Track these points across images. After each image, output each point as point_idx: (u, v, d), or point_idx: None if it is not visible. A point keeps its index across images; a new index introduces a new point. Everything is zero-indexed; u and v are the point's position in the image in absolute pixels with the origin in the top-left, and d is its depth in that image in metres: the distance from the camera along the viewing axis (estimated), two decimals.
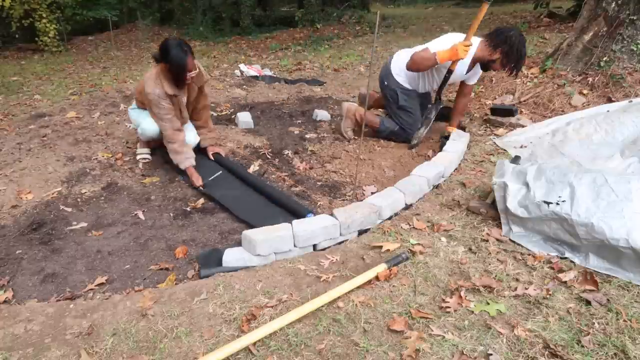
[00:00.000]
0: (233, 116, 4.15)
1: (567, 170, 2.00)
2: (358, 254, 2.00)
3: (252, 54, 9.55)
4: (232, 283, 1.79)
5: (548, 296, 1.64)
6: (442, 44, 2.93)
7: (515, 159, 2.42)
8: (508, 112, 3.56)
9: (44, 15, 9.65)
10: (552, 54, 4.23)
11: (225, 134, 3.58)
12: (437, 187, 2.65)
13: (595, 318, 1.53)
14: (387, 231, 2.15)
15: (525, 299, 1.65)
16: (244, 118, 3.89)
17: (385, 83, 3.29)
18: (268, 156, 3.23)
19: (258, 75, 6.20)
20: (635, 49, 3.57)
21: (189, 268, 2.00)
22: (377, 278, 1.77)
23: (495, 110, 3.65)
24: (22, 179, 2.85)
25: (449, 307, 1.61)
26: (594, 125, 2.98)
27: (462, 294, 1.67)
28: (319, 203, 2.55)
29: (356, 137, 3.52)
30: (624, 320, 1.50)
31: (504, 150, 3.13)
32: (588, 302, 1.60)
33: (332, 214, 2.13)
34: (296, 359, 1.42)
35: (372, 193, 2.53)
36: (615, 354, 1.38)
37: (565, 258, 1.87)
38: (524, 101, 3.81)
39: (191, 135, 3.03)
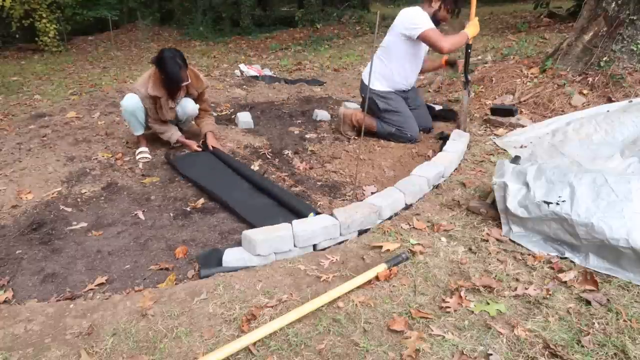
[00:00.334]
0: (233, 116, 4.15)
1: (567, 170, 2.00)
2: (358, 254, 2.00)
3: (252, 54, 9.56)
4: (232, 283, 1.79)
5: (548, 296, 1.64)
6: (425, 19, 3.04)
7: (515, 159, 2.42)
8: (508, 112, 3.56)
9: (44, 15, 9.65)
10: (552, 54, 4.23)
11: (225, 134, 3.58)
12: (437, 187, 2.65)
13: (595, 318, 1.53)
14: (387, 231, 2.15)
15: (525, 299, 1.65)
16: (244, 118, 3.89)
17: (363, 95, 3.34)
18: (268, 156, 3.23)
19: (258, 75, 6.20)
20: (635, 49, 3.57)
21: (189, 268, 2.00)
22: (377, 278, 1.77)
23: (495, 110, 3.65)
24: (22, 179, 2.85)
25: (449, 307, 1.61)
26: (594, 125, 2.98)
27: (462, 294, 1.67)
28: (319, 203, 2.55)
29: (356, 137, 3.52)
30: (624, 320, 1.50)
31: (504, 150, 3.13)
32: (588, 302, 1.60)
33: (332, 214, 2.13)
34: (296, 359, 1.42)
35: (372, 193, 2.53)
36: (615, 354, 1.38)
37: (565, 258, 1.87)
38: (524, 101, 3.81)
39: (189, 105, 3.14)
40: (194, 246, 2.17)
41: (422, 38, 3.04)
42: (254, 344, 1.46)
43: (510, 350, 1.42)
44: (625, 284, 1.69)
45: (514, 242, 2.03)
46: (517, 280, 1.76)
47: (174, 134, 3.16)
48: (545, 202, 1.92)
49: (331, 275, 1.83)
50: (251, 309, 1.64)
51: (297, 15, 12.62)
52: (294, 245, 2.00)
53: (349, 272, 1.86)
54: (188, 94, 3.12)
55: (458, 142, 3.09)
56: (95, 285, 1.88)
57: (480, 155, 3.05)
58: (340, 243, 2.12)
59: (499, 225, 2.13)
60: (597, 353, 1.38)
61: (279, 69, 7.18)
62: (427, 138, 3.48)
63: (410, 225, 2.22)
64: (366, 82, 3.20)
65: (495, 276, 1.78)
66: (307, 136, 3.63)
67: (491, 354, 1.39)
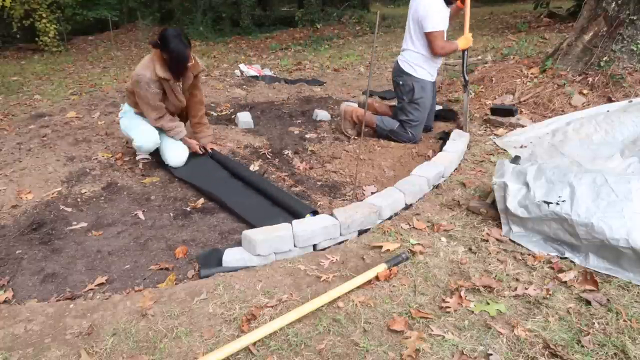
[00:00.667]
0: (233, 116, 4.15)
1: (567, 170, 2.00)
2: (358, 254, 2.00)
3: (252, 54, 9.55)
4: (232, 283, 1.79)
5: (548, 296, 1.64)
6: (439, 19, 3.11)
7: (515, 159, 2.42)
8: (508, 112, 3.56)
9: (44, 15, 9.64)
10: (552, 54, 4.23)
11: (225, 134, 3.58)
12: (437, 187, 2.65)
13: (595, 318, 1.53)
14: (387, 231, 2.15)
15: (525, 299, 1.65)
16: (244, 118, 3.89)
17: (400, 83, 3.33)
18: (268, 156, 3.23)
19: (258, 75, 6.20)
20: (635, 49, 3.57)
21: (189, 268, 2.00)
22: (377, 278, 1.77)
23: (495, 110, 3.65)
24: (22, 179, 2.85)
25: (449, 307, 1.61)
26: (594, 125, 2.98)
27: (462, 294, 1.67)
28: (319, 203, 2.55)
29: (356, 137, 3.52)
30: (624, 320, 1.50)
31: (504, 150, 3.13)
32: (588, 302, 1.60)
33: (332, 214, 2.13)
34: (296, 359, 1.42)
35: (372, 193, 2.53)
36: (615, 354, 1.38)
37: (565, 258, 1.87)
38: (524, 101, 3.81)
39: (173, 155, 2.93)
40: (194, 246, 2.17)
41: (427, 34, 3.12)
42: (254, 344, 1.46)
43: (510, 350, 1.42)
44: (625, 284, 1.69)
45: (514, 242, 2.03)
46: (517, 280, 1.76)
47: (182, 130, 2.99)
48: (545, 202, 1.92)
49: (331, 275, 1.83)
50: (251, 309, 1.64)
51: (297, 15, 12.62)
52: (294, 245, 2.00)
53: (349, 272, 1.86)
54: (185, 76, 2.91)
55: (458, 142, 3.09)
56: (95, 285, 1.88)
57: (480, 155, 3.05)
58: (340, 243, 2.12)
59: (499, 225, 2.13)
60: (597, 353, 1.38)
61: (279, 69, 7.18)
62: (427, 138, 3.48)
63: (410, 225, 2.22)
64: (408, 71, 3.27)
65: (495, 276, 1.78)
66: (307, 136, 3.63)
67: (491, 354, 1.39)
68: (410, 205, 2.44)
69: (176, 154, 2.94)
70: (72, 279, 1.94)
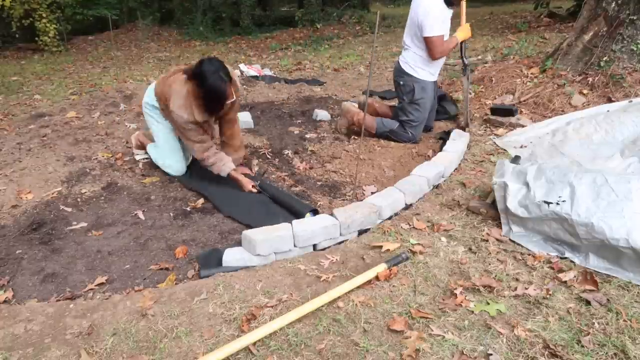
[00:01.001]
0: None
1: (567, 170, 2.00)
2: (358, 254, 2.00)
3: (252, 54, 9.55)
4: (232, 283, 1.79)
5: (548, 296, 1.64)
6: (438, 24, 3.07)
7: (515, 159, 2.42)
8: (508, 112, 3.56)
9: (44, 15, 9.64)
10: (552, 54, 4.23)
11: None
12: (437, 187, 2.65)
13: (595, 318, 1.53)
14: (387, 231, 2.15)
15: (525, 299, 1.65)
16: (244, 118, 3.89)
17: (401, 83, 3.32)
18: (268, 156, 3.24)
19: (258, 75, 6.20)
20: (635, 49, 3.57)
21: (189, 268, 2.00)
22: (377, 278, 1.77)
23: (495, 110, 3.65)
24: (22, 179, 2.85)
25: (449, 307, 1.61)
26: (594, 125, 2.98)
27: (462, 294, 1.67)
28: (319, 203, 2.55)
29: (356, 137, 3.52)
30: (624, 320, 1.50)
31: (504, 150, 3.13)
32: (588, 302, 1.60)
33: (332, 214, 2.13)
34: (296, 359, 1.42)
35: (372, 193, 2.53)
36: (615, 354, 1.38)
37: (565, 258, 1.87)
38: (524, 101, 3.81)
39: (179, 165, 2.87)
40: (194, 246, 2.17)
41: (425, 39, 3.09)
42: (254, 343, 1.46)
43: (510, 350, 1.42)
44: (625, 284, 1.69)
45: (514, 242, 2.03)
46: (517, 280, 1.76)
47: (225, 167, 2.64)
48: (545, 202, 1.92)
49: (331, 275, 1.83)
50: (251, 308, 1.64)
51: (297, 15, 12.62)
52: (294, 245, 2.00)
53: (349, 272, 1.86)
54: None
55: (458, 142, 3.09)
56: (95, 285, 1.88)
57: (480, 155, 3.05)
58: (340, 243, 2.12)
59: (499, 225, 2.13)
60: (597, 353, 1.38)
61: (279, 69, 7.18)
62: (427, 138, 3.48)
63: (410, 225, 2.22)
64: (408, 72, 3.26)
65: (495, 276, 1.78)
66: (307, 136, 3.63)
67: (491, 354, 1.39)
68: (410, 205, 2.44)
69: (175, 164, 2.85)
70: (72, 279, 1.94)
